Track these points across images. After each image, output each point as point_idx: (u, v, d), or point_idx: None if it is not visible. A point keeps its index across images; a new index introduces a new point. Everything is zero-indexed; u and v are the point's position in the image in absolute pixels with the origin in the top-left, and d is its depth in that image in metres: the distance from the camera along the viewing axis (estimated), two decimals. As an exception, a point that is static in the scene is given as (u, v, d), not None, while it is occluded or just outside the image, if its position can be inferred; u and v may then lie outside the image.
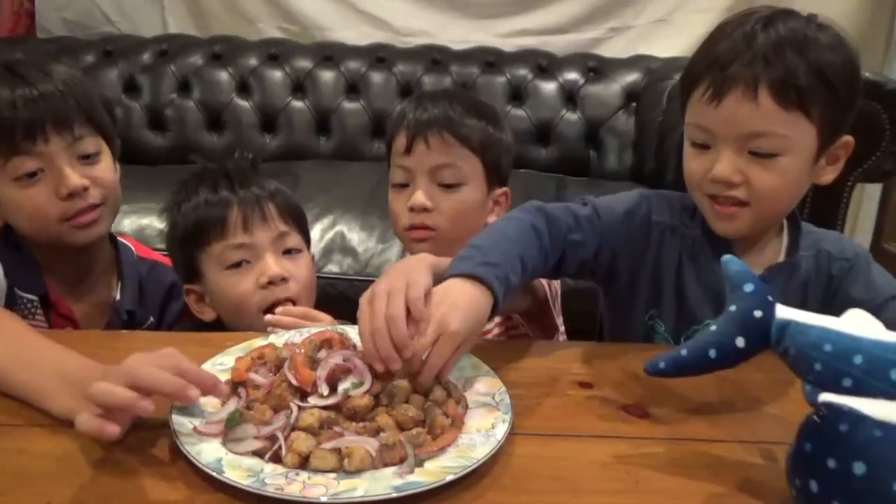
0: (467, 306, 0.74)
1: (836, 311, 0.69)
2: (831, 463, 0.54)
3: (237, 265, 1.04)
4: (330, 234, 1.89)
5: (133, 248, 1.24)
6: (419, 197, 1.08)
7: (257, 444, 0.65)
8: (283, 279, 1.03)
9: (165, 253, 1.20)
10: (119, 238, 1.23)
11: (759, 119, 0.84)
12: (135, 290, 1.20)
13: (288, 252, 1.07)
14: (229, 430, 0.67)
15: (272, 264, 1.03)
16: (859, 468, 0.52)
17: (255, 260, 1.04)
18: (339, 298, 1.74)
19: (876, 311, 0.70)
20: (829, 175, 0.92)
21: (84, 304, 1.15)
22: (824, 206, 1.78)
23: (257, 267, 1.04)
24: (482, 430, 0.70)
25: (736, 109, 0.85)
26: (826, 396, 0.55)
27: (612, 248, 0.96)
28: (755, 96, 0.84)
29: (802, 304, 0.66)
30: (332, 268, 1.83)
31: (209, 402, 0.72)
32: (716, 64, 0.86)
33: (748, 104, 0.84)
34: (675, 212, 0.99)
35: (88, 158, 1.07)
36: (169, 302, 1.22)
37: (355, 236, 1.89)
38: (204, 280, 1.08)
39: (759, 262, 0.95)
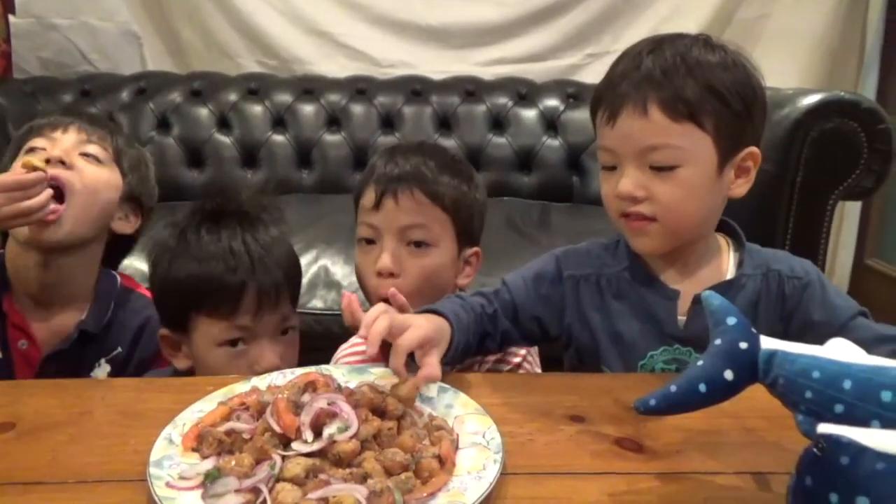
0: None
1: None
2: (834, 498, 0.52)
3: (232, 343, 0.99)
4: (314, 269, 1.86)
5: (118, 279, 1.23)
6: (385, 261, 1.02)
7: (239, 499, 0.62)
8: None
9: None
10: (112, 272, 1.24)
11: (652, 133, 0.87)
12: (102, 315, 1.18)
13: (284, 332, 1.03)
14: (209, 486, 0.64)
15: (269, 355, 0.99)
16: (863, 502, 0.51)
17: (251, 341, 1.00)
18: (324, 334, 1.71)
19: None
20: (741, 188, 0.93)
21: (50, 325, 1.17)
22: (806, 224, 1.79)
23: (253, 353, 0.99)
24: (473, 471, 0.67)
25: (630, 126, 0.88)
26: (825, 427, 0.54)
27: (530, 313, 0.99)
28: (645, 112, 0.86)
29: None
30: (317, 303, 1.80)
31: (188, 456, 0.69)
32: (609, 87, 0.90)
33: (640, 120, 0.87)
34: (592, 259, 1.01)
35: (88, 158, 1.18)
36: (142, 335, 1.20)
37: (339, 270, 1.86)
38: (190, 340, 1.02)
39: (698, 284, 0.93)
